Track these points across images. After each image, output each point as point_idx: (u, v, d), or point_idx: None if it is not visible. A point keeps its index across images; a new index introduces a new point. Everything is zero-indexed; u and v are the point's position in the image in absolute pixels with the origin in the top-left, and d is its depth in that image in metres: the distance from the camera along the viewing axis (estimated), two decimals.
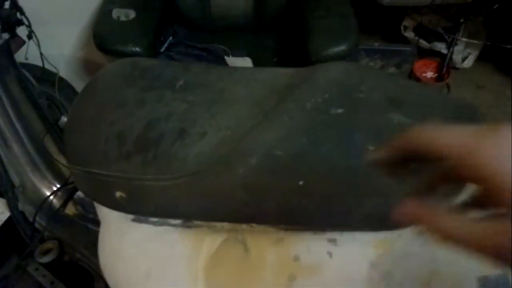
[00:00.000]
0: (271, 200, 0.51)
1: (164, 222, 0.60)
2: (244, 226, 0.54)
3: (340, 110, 0.53)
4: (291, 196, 0.50)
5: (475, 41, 2.13)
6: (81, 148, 0.67)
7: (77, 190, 1.07)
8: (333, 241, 0.50)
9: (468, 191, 0.47)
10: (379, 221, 0.48)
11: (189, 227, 0.58)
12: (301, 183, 0.49)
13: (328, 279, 0.49)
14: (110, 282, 0.69)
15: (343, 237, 0.50)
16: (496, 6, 1.85)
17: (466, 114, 0.54)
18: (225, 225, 0.55)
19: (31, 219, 1.11)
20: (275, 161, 0.51)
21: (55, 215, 1.09)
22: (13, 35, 1.07)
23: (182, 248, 0.57)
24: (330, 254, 0.49)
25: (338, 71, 0.60)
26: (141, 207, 0.61)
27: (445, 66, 2.09)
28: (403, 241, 0.47)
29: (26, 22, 1.09)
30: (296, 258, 0.51)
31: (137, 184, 0.59)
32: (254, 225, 0.54)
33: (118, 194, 0.62)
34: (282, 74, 0.65)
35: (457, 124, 0.51)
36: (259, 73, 0.68)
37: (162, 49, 1.59)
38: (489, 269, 0.44)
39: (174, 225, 0.59)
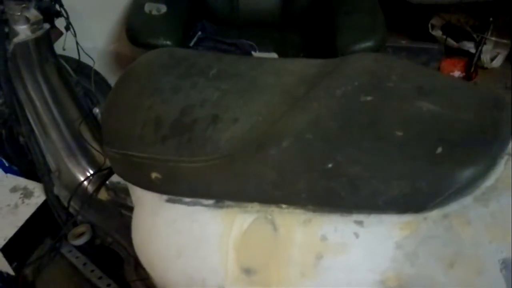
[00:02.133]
0: (300, 181, 0.53)
1: (196, 202, 0.62)
2: (273, 206, 0.57)
3: (369, 98, 0.55)
4: (320, 178, 0.52)
5: (504, 41, 2.10)
6: (118, 131, 0.71)
7: (110, 176, 1.12)
8: (359, 222, 0.52)
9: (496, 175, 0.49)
10: (405, 203, 0.49)
11: (220, 207, 0.60)
12: (330, 165, 0.51)
13: (354, 258, 0.51)
14: (143, 261, 0.73)
15: (370, 219, 0.51)
16: None
17: (494, 104, 0.55)
18: (255, 205, 0.58)
19: (65, 203, 1.16)
20: (305, 144, 0.53)
21: (88, 200, 1.14)
22: (52, 26, 1.12)
23: (214, 227, 0.60)
24: (356, 234, 0.51)
25: (368, 61, 0.61)
26: (175, 188, 0.64)
27: (473, 65, 2.07)
28: (428, 223, 0.49)
29: (64, 14, 1.14)
30: (324, 238, 0.53)
31: (172, 166, 0.62)
32: (283, 205, 0.56)
33: (153, 175, 0.65)
34: (311, 65, 0.67)
35: (484, 113, 0.52)
36: (289, 63, 0.70)
37: (191, 44, 1.63)
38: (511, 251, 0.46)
39: (206, 205, 0.61)
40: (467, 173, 0.48)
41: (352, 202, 0.52)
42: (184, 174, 0.62)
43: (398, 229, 0.50)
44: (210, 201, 0.61)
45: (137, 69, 0.74)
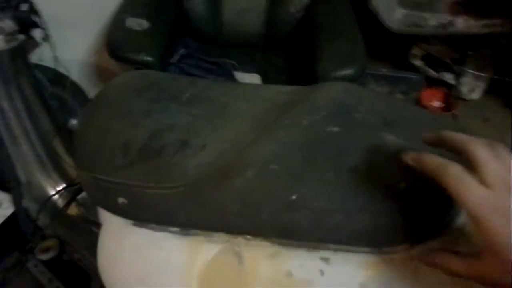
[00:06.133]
0: (264, 213, 0.53)
1: (163, 228, 0.61)
2: (240, 238, 0.56)
3: (335, 129, 0.55)
4: (283, 210, 0.52)
5: (481, 74, 2.15)
6: (88, 154, 0.69)
7: (81, 192, 1.09)
8: (326, 259, 0.51)
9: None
10: (366, 238, 0.49)
11: (187, 235, 0.59)
12: (293, 197, 0.51)
13: None
14: (106, 283, 0.71)
15: (336, 256, 0.51)
16: (503, 41, 1.88)
17: None
18: (222, 235, 0.57)
19: (34, 216, 1.13)
20: (269, 174, 0.53)
21: (57, 214, 1.11)
22: (29, 37, 1.11)
23: (179, 255, 0.59)
24: (322, 272, 0.51)
25: (337, 91, 0.62)
26: (141, 214, 0.63)
27: (452, 96, 2.10)
28: (394, 264, 0.48)
29: (42, 25, 1.13)
30: (289, 274, 0.52)
31: (139, 192, 0.61)
32: (248, 237, 0.55)
33: (120, 200, 0.64)
34: (284, 91, 0.67)
35: None
36: (262, 89, 0.70)
37: (173, 60, 1.63)
38: None
39: (172, 232, 0.60)
40: (433, 212, 0.48)
41: (316, 235, 0.51)
42: (150, 200, 0.60)
43: (364, 269, 0.50)
44: (177, 228, 0.60)
45: (109, 92, 0.73)
